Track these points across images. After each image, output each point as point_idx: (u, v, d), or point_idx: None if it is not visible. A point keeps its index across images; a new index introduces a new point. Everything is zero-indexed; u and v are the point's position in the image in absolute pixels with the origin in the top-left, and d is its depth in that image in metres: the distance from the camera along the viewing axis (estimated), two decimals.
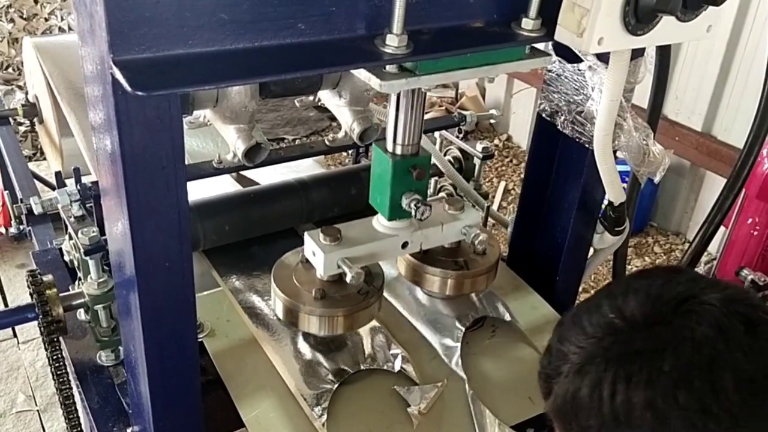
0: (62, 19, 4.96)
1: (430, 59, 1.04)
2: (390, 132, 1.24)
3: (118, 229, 1.06)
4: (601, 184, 1.47)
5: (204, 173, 1.53)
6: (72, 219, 1.44)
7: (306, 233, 1.25)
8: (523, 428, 1.30)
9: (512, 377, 1.39)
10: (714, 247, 4.09)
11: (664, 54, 1.42)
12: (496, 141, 5.07)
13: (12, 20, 4.90)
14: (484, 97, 5.23)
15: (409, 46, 0.98)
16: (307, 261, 1.29)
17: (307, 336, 1.37)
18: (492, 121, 1.89)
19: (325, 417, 1.22)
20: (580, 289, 1.68)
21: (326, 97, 1.66)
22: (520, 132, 5.13)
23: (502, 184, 4.54)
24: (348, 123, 1.64)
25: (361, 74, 1.06)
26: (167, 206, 1.01)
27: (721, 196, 1.76)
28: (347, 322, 1.25)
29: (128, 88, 0.81)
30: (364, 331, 1.41)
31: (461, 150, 1.86)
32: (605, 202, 1.51)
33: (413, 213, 1.22)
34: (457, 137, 1.90)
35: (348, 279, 1.19)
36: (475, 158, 1.82)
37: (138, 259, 1.02)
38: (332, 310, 1.23)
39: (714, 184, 4.03)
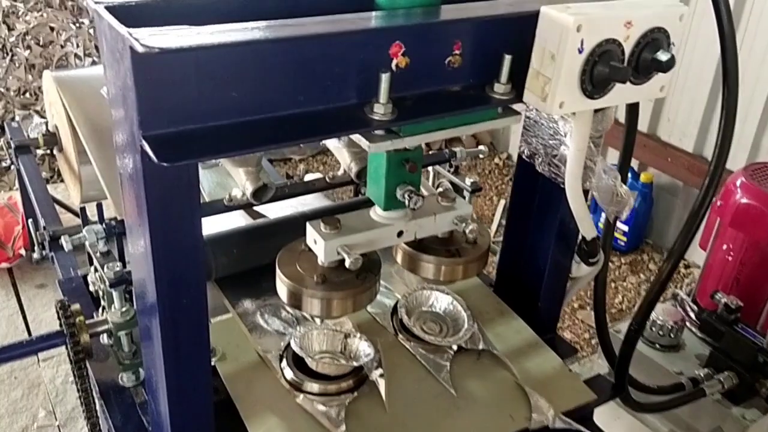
0: (77, 46, 5.15)
1: (412, 123, 1.19)
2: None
3: (141, 262, 1.17)
4: (575, 220, 1.62)
5: (216, 210, 1.69)
6: (98, 254, 1.60)
7: (308, 223, 1.38)
8: None
9: (495, 396, 1.53)
10: (697, 271, 4.24)
11: (632, 109, 1.56)
12: (497, 160, 5.23)
13: (29, 47, 5.10)
14: None
15: (393, 112, 1.12)
16: (309, 249, 1.41)
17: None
18: (482, 150, 2.05)
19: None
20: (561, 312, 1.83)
21: (327, 140, 1.82)
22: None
23: (502, 202, 4.69)
24: (346, 162, 1.80)
25: (354, 137, 1.21)
26: (184, 241, 1.14)
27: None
28: (346, 304, 1.37)
29: (155, 160, 0.97)
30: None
31: (452, 183, 2.01)
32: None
33: (407, 202, 1.35)
34: (449, 171, 2.05)
35: (347, 264, 1.32)
36: (464, 191, 1.97)
37: (159, 289, 1.16)
38: (332, 293, 1.35)
39: None
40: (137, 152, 1.04)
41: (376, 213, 1.44)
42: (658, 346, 2.24)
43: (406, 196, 1.36)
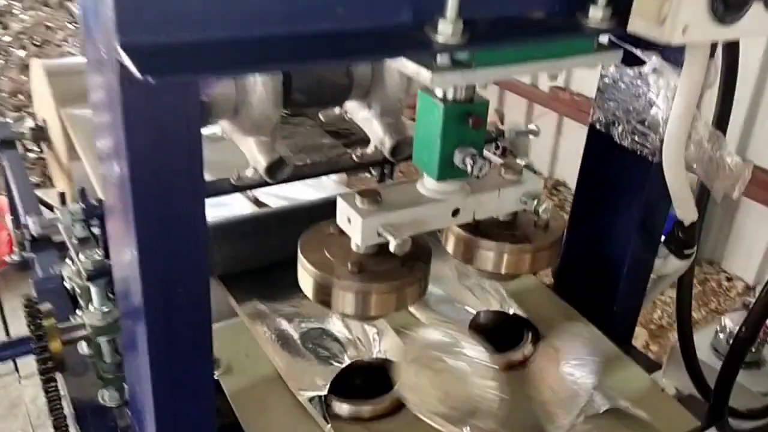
0: (75, 45, 4.90)
1: (488, 49, 0.89)
2: None
3: (123, 251, 0.93)
4: (665, 202, 1.31)
5: (220, 190, 1.38)
6: (74, 241, 1.30)
7: (339, 196, 1.09)
8: None
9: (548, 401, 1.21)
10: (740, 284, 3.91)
11: (733, 53, 1.27)
12: None
13: (24, 47, 4.85)
14: (502, 122, 5.09)
15: (465, 34, 0.83)
16: (341, 231, 1.12)
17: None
18: (534, 130, 1.74)
19: None
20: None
21: (354, 109, 1.52)
22: (541, 159, 4.99)
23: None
24: (378, 136, 1.49)
25: (408, 67, 0.91)
26: (182, 226, 0.87)
27: None
28: (390, 300, 1.08)
29: (137, 74, 0.67)
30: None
31: None
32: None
33: (469, 169, 1.04)
34: (494, 153, 1.74)
35: (392, 248, 1.02)
36: None
37: (146, 287, 0.88)
38: (372, 285, 1.06)
39: (750, 210, 3.86)
40: (114, 71, 0.74)
41: (425, 186, 1.14)
42: None
43: (467, 161, 1.05)
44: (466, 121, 1.05)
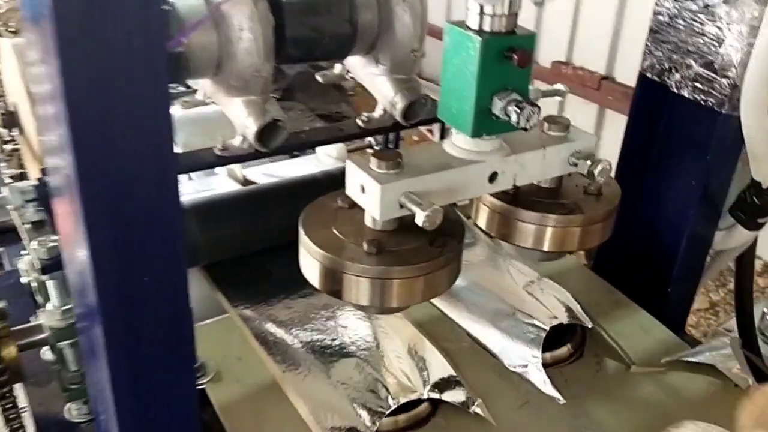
0: None
1: None
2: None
3: (72, 237, 0.70)
4: (732, 162, 1.10)
5: (204, 162, 1.16)
6: (27, 226, 1.08)
7: (349, 160, 0.87)
8: None
9: (636, 428, 1.00)
10: None
11: None
12: None
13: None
14: None
15: None
16: (351, 204, 0.91)
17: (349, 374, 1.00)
18: (561, 90, 1.52)
19: None
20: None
21: (358, 65, 1.30)
22: None
23: None
24: (388, 96, 1.27)
25: None
26: (147, 201, 0.67)
27: None
28: (417, 287, 0.86)
29: None
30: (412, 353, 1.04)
31: None
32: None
33: (514, 119, 0.83)
34: None
35: (420, 221, 0.80)
36: None
37: (100, 277, 0.68)
38: (395, 270, 0.84)
39: None
40: None
41: (456, 145, 0.92)
42: None
43: (510, 109, 0.84)
44: (510, 58, 0.83)
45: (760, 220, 1.12)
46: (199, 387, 1.00)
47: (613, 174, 1.31)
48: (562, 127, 0.98)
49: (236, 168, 1.66)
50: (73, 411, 1.15)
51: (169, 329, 0.75)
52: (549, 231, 0.98)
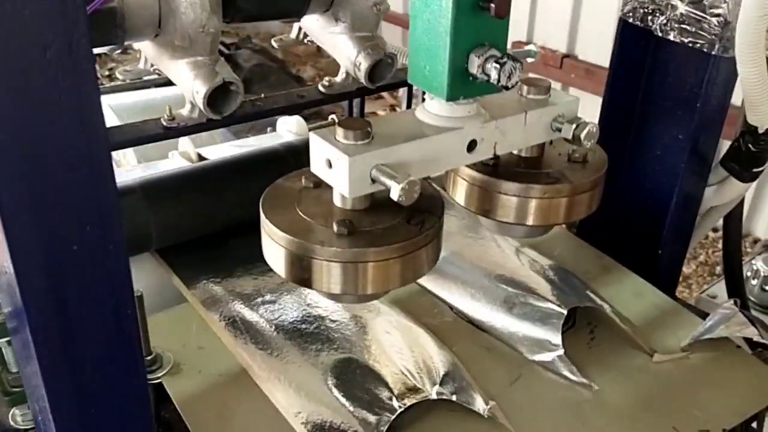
0: None
1: None
2: None
3: None
4: (723, 111, 1.03)
5: (148, 136, 1.04)
6: None
7: (312, 132, 0.78)
8: None
9: (640, 398, 0.92)
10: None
11: None
12: None
13: None
14: None
15: None
16: (317, 182, 0.81)
17: (331, 362, 0.90)
18: (531, 51, 1.43)
19: None
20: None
21: (316, 27, 1.20)
22: None
23: None
24: (351, 57, 1.17)
25: None
26: (74, 179, 0.57)
27: None
28: (396, 270, 0.77)
29: None
30: (410, 344, 0.94)
31: None
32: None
33: (494, 76, 0.75)
34: None
35: (395, 195, 0.72)
36: None
37: (22, 272, 0.57)
38: (370, 251, 0.75)
39: None
40: None
41: (429, 111, 0.83)
42: None
43: (489, 66, 0.75)
44: (486, 8, 0.74)
45: (756, 170, 1.05)
46: (154, 381, 0.89)
47: (599, 118, 1.23)
48: (542, 89, 0.89)
49: (190, 149, 1.54)
50: (17, 417, 1.03)
51: (108, 319, 0.64)
52: (533, 203, 0.90)
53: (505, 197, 0.91)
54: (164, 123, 1.06)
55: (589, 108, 0.91)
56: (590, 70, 3.79)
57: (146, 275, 1.11)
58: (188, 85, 1.02)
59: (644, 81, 1.11)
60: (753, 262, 1.71)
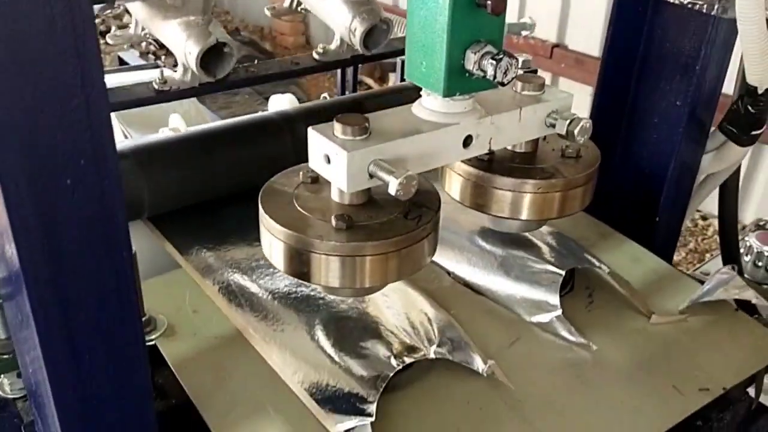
0: None
1: None
2: None
3: None
4: (722, 75, 1.03)
5: (140, 99, 1.02)
6: None
7: (311, 128, 0.78)
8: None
9: (640, 359, 0.92)
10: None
11: None
12: None
13: None
14: None
15: None
16: (314, 178, 0.82)
17: (327, 323, 0.89)
18: (527, 24, 1.43)
19: None
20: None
21: None
22: None
23: None
24: (345, 23, 1.15)
25: None
26: (71, 140, 0.55)
27: None
28: (394, 263, 0.78)
29: None
30: (406, 307, 0.93)
31: None
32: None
33: (490, 73, 0.76)
34: None
35: (392, 189, 0.72)
36: None
37: (20, 236, 0.55)
38: (368, 245, 0.76)
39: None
40: None
41: (426, 107, 0.83)
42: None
43: (486, 62, 0.75)
44: (483, 5, 0.74)
45: (755, 132, 1.04)
46: (149, 343, 0.88)
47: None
48: (536, 86, 0.90)
49: (181, 125, 1.53)
50: (6, 386, 1.01)
51: (105, 280, 0.63)
52: (528, 198, 0.92)
53: (499, 192, 0.93)
54: (156, 86, 1.04)
55: (580, 97, 0.92)
56: (580, 60, 3.79)
57: (138, 243, 1.09)
58: (180, 45, 1.00)
59: (642, 47, 1.10)
60: (746, 239, 1.72)
